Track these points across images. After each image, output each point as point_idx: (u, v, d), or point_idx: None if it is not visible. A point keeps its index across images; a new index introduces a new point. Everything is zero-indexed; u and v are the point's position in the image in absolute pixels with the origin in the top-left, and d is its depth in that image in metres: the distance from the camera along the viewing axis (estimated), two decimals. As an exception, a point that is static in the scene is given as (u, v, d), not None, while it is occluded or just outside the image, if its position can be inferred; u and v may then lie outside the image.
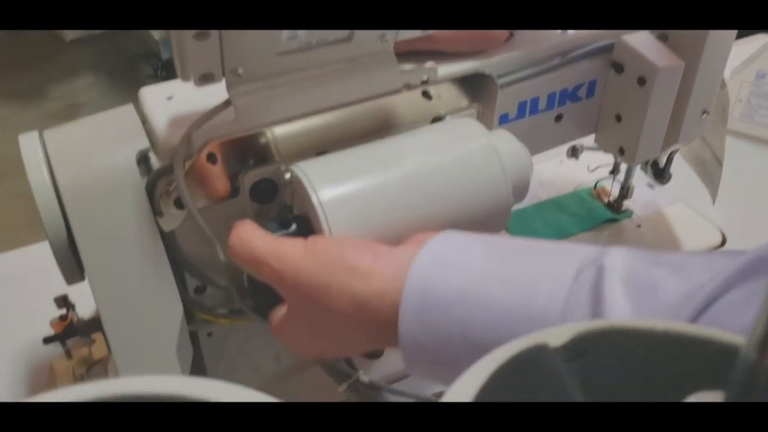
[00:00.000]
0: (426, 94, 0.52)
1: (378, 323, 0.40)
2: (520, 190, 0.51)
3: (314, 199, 0.44)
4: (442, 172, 0.46)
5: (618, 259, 0.37)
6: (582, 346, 0.25)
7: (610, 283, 0.36)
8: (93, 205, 0.46)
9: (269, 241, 0.43)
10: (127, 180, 0.47)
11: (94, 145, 0.48)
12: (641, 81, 0.58)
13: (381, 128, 0.52)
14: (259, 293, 0.48)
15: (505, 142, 0.50)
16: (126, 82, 2.57)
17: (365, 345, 0.44)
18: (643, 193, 0.84)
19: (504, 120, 0.58)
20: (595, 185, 0.84)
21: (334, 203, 0.44)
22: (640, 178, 0.81)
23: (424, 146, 0.48)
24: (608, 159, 0.80)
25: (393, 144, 0.48)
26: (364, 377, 0.56)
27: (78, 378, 0.63)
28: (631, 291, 0.36)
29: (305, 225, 0.46)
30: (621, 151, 0.63)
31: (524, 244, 0.41)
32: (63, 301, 0.63)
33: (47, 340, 0.60)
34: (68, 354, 0.63)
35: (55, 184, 0.46)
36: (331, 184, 0.44)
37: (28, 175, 0.46)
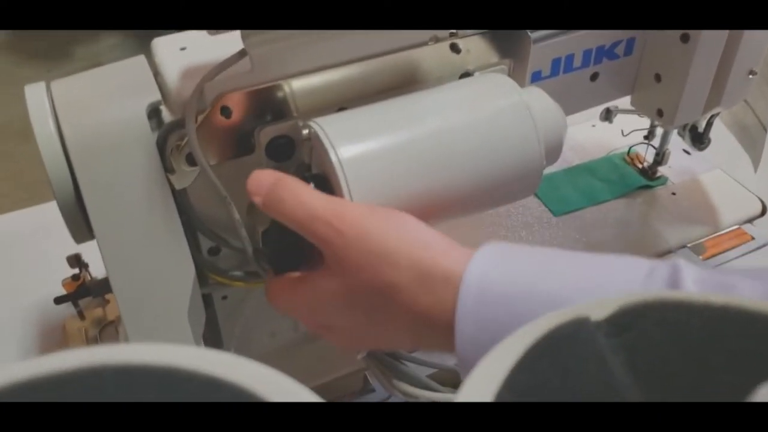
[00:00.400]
0: (454, 48, 0.49)
1: (432, 306, 0.37)
2: (553, 151, 0.48)
3: (333, 157, 0.41)
4: (470, 130, 0.43)
5: (689, 265, 0.35)
6: (627, 320, 0.22)
7: (685, 280, 0.33)
8: (101, 160, 0.44)
9: (331, 200, 0.40)
10: (137, 134, 0.44)
11: (104, 97, 0.45)
12: (684, 38, 0.54)
13: (405, 84, 0.49)
14: (277, 255, 0.45)
15: (538, 100, 0.47)
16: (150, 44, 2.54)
17: (409, 336, 0.40)
18: (679, 159, 0.81)
19: (536, 77, 0.55)
20: (629, 150, 0.80)
21: (354, 161, 0.41)
22: (676, 144, 0.77)
23: (451, 102, 0.45)
24: (643, 123, 0.76)
25: (418, 100, 0.45)
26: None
27: (90, 339, 0.62)
28: (707, 290, 0.33)
29: (324, 184, 0.43)
30: (659, 113, 0.59)
31: (579, 252, 0.38)
32: (76, 261, 0.61)
33: (58, 300, 0.58)
34: (81, 315, 0.61)
35: (61, 137, 0.44)
36: (351, 141, 0.42)
37: (34, 128, 0.44)
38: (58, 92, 0.45)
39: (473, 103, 0.45)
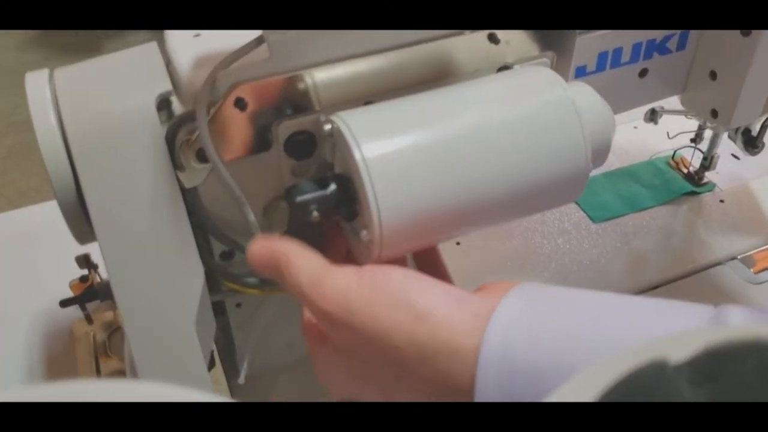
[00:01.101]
0: (492, 38, 0.45)
1: (446, 384, 0.33)
2: (600, 153, 0.43)
3: (356, 155, 0.37)
4: (510, 128, 0.39)
5: (737, 311, 0.30)
6: (715, 365, 0.18)
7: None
8: (105, 154, 0.40)
9: (313, 273, 0.36)
10: (144, 126, 0.41)
11: (110, 86, 0.42)
12: (745, 31, 0.49)
13: (438, 77, 0.44)
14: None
15: (585, 97, 0.42)
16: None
17: (428, 399, 0.36)
18: (728, 164, 0.75)
19: (581, 73, 0.50)
20: (674, 154, 0.75)
21: (379, 160, 0.37)
22: (724, 148, 0.72)
23: (489, 97, 0.41)
24: (689, 125, 0.71)
25: (452, 93, 0.41)
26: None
27: (99, 344, 0.58)
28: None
29: (346, 185, 0.39)
30: (714, 114, 0.54)
31: (615, 300, 0.33)
32: (85, 261, 0.58)
33: (64, 303, 0.55)
34: (88, 318, 0.58)
35: (62, 129, 0.40)
36: (377, 138, 0.38)
37: (33, 118, 0.41)
38: (61, 80, 0.42)
39: (514, 97, 0.40)
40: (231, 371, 0.56)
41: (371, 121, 0.39)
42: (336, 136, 0.39)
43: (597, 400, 0.16)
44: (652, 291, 0.63)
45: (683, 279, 0.64)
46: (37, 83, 0.42)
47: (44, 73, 0.43)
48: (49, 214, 0.74)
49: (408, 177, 0.37)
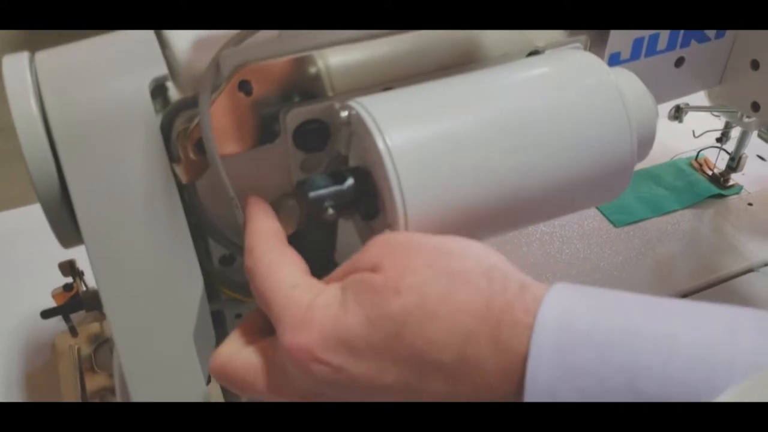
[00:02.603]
0: (523, 19, 0.40)
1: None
2: (645, 145, 0.39)
3: (380, 144, 0.33)
4: (549, 114, 0.35)
5: None
6: None
7: None
8: (92, 146, 0.36)
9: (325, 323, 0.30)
10: (137, 115, 0.36)
11: (98, 71, 0.37)
12: (793, 16, 0.45)
13: (463, 61, 0.40)
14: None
15: (629, 83, 0.38)
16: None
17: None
18: (754, 166, 0.72)
19: (614, 61, 0.47)
20: (697, 155, 0.72)
21: (405, 150, 0.33)
22: (749, 149, 0.68)
23: (524, 81, 0.36)
24: (714, 124, 0.68)
25: (484, 77, 0.37)
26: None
27: (84, 359, 0.53)
28: None
29: (365, 180, 0.35)
30: (754, 107, 0.50)
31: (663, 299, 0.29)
32: (69, 268, 0.53)
33: (46, 314, 0.50)
34: (73, 330, 0.53)
35: (45, 118, 0.36)
36: (402, 126, 0.33)
37: (11, 106, 0.36)
38: (44, 64, 0.38)
39: (553, 82, 0.36)
40: (229, 393, 0.51)
41: (395, 108, 0.35)
42: (354, 124, 0.35)
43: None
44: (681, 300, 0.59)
45: (713, 287, 0.60)
46: (16, 67, 0.37)
47: (24, 56, 0.38)
48: (29, 218, 0.70)
49: (437, 169, 0.33)
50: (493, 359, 0.28)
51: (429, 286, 0.29)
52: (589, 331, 0.26)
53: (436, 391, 0.29)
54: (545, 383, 0.26)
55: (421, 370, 0.29)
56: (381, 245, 0.32)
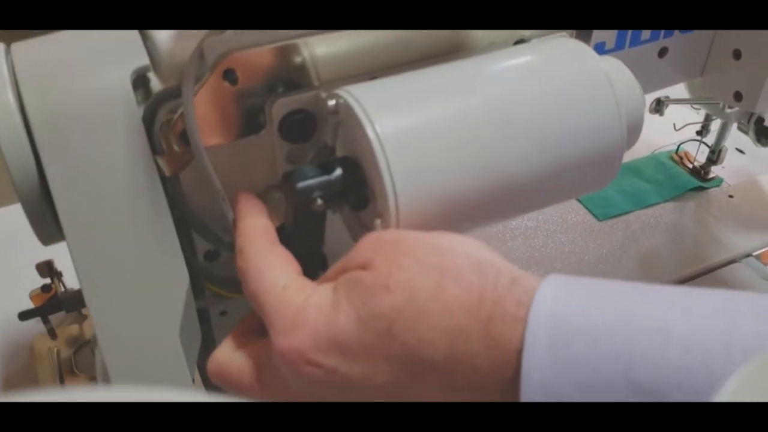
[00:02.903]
0: (510, 7, 0.40)
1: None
2: (633, 133, 0.39)
3: (369, 133, 0.32)
4: (539, 101, 0.35)
5: None
6: None
7: None
8: (72, 139, 0.35)
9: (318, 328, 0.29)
10: (118, 106, 0.35)
11: (78, 62, 0.36)
12: (775, 4, 0.46)
13: (450, 50, 0.40)
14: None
15: (618, 72, 0.38)
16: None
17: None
18: (733, 158, 0.72)
19: (599, 51, 0.46)
20: (678, 148, 0.72)
21: (395, 138, 0.32)
22: (728, 142, 0.68)
23: (513, 68, 0.36)
24: (693, 117, 0.68)
25: (472, 65, 0.37)
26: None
27: (63, 361, 0.52)
28: None
29: (354, 170, 0.34)
30: (737, 97, 0.50)
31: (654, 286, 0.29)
32: (47, 269, 0.52)
33: (24, 315, 0.49)
34: (52, 333, 0.52)
35: (22, 111, 0.35)
36: (391, 114, 0.33)
37: (-13, 98, 0.35)
38: (20, 56, 0.37)
39: (542, 69, 0.36)
40: (212, 388, 0.50)
41: (383, 96, 0.34)
42: (342, 113, 0.34)
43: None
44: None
45: (697, 278, 0.61)
46: (-9, 58, 0.36)
47: None
48: (5, 217, 0.68)
49: (427, 157, 0.33)
50: (486, 354, 0.27)
51: (419, 282, 0.28)
52: (583, 322, 0.26)
53: (430, 388, 0.28)
54: (540, 376, 0.26)
55: (414, 368, 0.28)
56: (371, 243, 0.31)
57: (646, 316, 0.26)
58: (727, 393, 0.19)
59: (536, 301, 0.27)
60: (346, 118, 0.34)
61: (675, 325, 0.25)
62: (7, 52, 0.37)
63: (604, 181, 0.38)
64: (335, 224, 0.38)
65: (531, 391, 0.26)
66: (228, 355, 0.34)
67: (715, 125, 0.67)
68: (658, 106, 0.64)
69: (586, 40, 0.44)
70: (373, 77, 0.38)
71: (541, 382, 0.26)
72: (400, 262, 0.29)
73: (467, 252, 0.30)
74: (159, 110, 0.35)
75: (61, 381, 0.52)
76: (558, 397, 0.26)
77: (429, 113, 0.34)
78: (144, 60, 0.36)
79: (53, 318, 0.52)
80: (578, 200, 0.67)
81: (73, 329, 0.54)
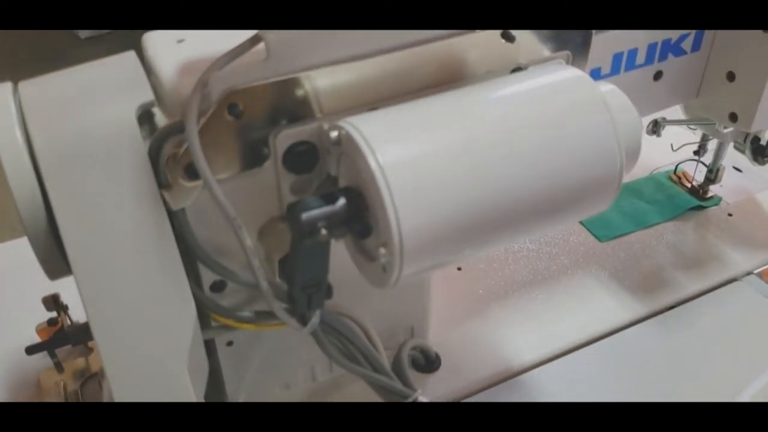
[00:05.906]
0: (507, 36, 0.41)
1: None
2: (631, 157, 0.39)
3: (372, 162, 0.33)
4: (538, 129, 0.35)
5: None
6: None
7: None
8: (79, 175, 0.35)
9: None
10: (124, 142, 0.36)
11: (84, 99, 0.37)
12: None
13: (448, 79, 0.40)
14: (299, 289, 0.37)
15: (615, 97, 0.39)
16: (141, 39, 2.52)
17: None
18: (731, 177, 0.72)
19: (595, 75, 0.47)
20: (676, 168, 0.72)
21: (398, 167, 0.33)
22: (725, 161, 0.69)
23: (512, 96, 0.37)
24: (690, 137, 0.69)
25: (471, 94, 0.37)
26: (423, 398, 0.45)
27: (70, 395, 0.52)
28: None
29: (357, 200, 0.35)
30: (732, 118, 0.51)
31: None
32: (53, 302, 0.52)
33: (31, 350, 0.49)
34: (58, 366, 0.52)
35: (30, 148, 0.35)
36: (393, 144, 0.33)
37: (-5, 136, 0.35)
38: (27, 93, 0.37)
39: (540, 97, 0.37)
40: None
41: (385, 126, 0.35)
42: (345, 144, 0.35)
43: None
44: (669, 311, 0.59)
45: (699, 297, 0.61)
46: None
47: (7, 86, 0.38)
48: (11, 252, 0.68)
49: (429, 185, 0.33)
50: None
51: None
52: None
53: None
54: None
55: None
56: None
57: None
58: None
59: None
60: (349, 149, 0.34)
61: None
62: (15, 90, 0.37)
63: (603, 205, 0.39)
64: (339, 253, 0.39)
65: None
66: None
67: (712, 145, 0.67)
68: (656, 128, 0.65)
69: (582, 64, 0.44)
70: (374, 108, 0.38)
71: None
72: None
73: None
74: (164, 144, 0.36)
75: (69, 414, 0.52)
76: None
77: (430, 142, 0.34)
78: (149, 95, 0.37)
79: (60, 352, 0.53)
80: (579, 222, 0.68)
81: (80, 362, 0.54)
